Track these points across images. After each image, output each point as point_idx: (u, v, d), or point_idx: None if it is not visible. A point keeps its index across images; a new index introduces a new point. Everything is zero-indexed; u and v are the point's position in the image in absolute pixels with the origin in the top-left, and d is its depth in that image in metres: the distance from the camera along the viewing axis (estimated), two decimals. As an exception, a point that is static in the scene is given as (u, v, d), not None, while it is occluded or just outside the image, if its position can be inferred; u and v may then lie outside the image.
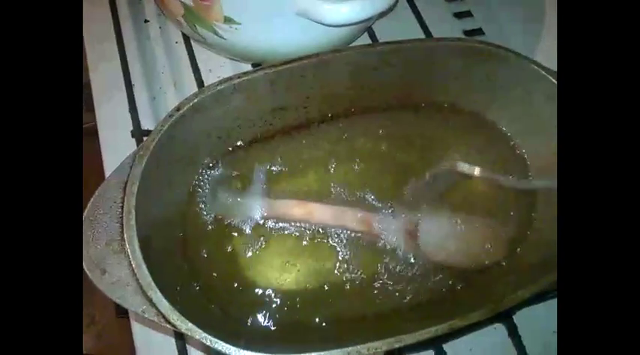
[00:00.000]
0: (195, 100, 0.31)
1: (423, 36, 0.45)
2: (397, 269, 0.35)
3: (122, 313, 0.40)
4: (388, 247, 0.35)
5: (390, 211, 0.36)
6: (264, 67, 0.33)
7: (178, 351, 0.33)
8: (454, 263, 0.35)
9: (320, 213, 0.36)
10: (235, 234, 0.35)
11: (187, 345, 0.34)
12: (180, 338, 0.33)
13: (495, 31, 0.48)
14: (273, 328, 0.32)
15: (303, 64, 0.34)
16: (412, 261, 0.35)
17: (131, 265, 0.27)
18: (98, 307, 0.88)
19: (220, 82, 0.32)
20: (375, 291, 0.34)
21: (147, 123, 0.41)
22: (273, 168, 0.37)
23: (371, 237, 0.35)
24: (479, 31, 0.48)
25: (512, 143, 0.38)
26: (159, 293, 0.26)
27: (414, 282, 0.34)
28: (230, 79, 0.32)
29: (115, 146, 0.40)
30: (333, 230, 0.36)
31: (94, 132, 0.42)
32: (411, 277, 0.34)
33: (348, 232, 0.36)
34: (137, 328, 0.35)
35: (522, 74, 0.35)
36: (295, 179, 0.37)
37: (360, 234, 0.35)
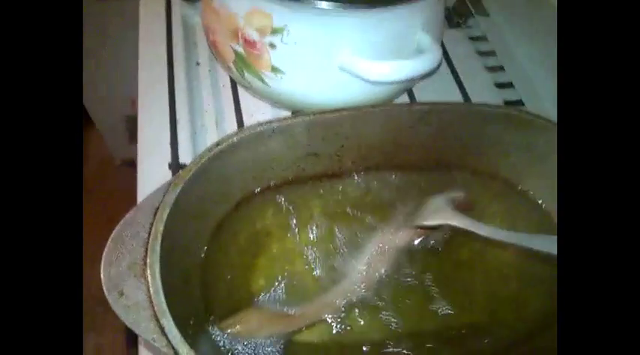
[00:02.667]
0: (235, 138, 0.32)
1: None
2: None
3: (132, 344, 0.40)
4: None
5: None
6: (304, 114, 0.34)
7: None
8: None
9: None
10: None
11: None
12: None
13: (536, 104, 0.48)
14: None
15: (341, 115, 0.35)
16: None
17: (149, 291, 0.27)
18: (107, 337, 0.87)
19: (261, 124, 0.33)
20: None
21: (185, 158, 0.42)
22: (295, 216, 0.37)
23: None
24: (519, 103, 0.49)
25: (545, 211, 0.37)
26: (172, 323, 0.26)
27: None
28: (270, 122, 0.33)
29: (152, 176, 0.42)
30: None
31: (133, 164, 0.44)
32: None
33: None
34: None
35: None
36: (311, 227, 0.37)
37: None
